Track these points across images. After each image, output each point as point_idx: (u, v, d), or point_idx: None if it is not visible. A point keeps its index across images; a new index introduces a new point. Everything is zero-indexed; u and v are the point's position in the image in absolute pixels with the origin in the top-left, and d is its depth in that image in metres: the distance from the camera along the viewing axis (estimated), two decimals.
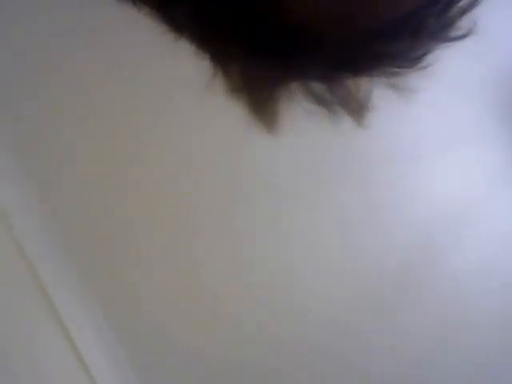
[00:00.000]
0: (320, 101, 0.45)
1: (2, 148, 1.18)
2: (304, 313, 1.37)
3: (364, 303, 1.38)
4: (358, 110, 0.45)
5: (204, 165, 1.26)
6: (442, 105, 1.25)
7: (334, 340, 1.39)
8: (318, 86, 0.45)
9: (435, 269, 1.37)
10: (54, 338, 1.30)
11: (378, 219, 1.33)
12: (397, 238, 1.35)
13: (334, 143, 1.22)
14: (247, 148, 1.22)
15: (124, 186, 1.27)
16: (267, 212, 1.31)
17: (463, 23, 0.46)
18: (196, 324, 1.36)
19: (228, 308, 1.35)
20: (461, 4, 0.45)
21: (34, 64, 1.13)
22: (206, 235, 1.31)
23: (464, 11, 0.45)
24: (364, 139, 1.24)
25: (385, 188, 1.31)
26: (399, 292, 1.38)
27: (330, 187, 1.31)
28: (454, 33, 0.45)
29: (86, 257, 1.30)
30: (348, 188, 1.31)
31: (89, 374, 1.32)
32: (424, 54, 0.45)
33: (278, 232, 1.33)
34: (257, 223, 1.32)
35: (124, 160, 1.25)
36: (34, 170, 1.23)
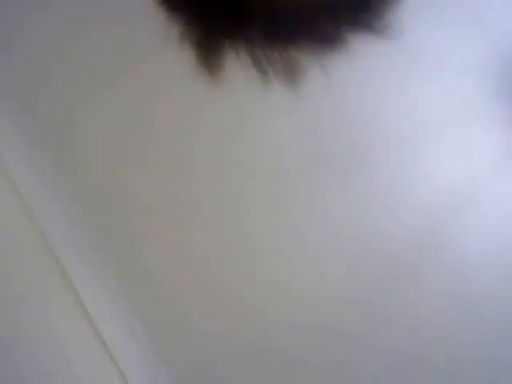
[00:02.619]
0: (255, 62, 0.54)
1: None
2: (317, 295, 1.44)
3: (374, 284, 1.44)
4: (289, 77, 0.54)
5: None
6: (442, 87, 1.29)
7: (344, 318, 1.46)
8: (258, 50, 0.54)
9: (442, 250, 1.41)
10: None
11: (383, 203, 1.38)
12: (404, 221, 1.39)
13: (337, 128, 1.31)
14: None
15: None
16: (278, 200, 1.38)
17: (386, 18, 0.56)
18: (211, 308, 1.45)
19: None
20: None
21: None
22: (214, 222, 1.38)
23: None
24: (368, 124, 1.31)
25: (391, 172, 1.36)
26: (408, 273, 1.43)
27: (337, 173, 1.36)
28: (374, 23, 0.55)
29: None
30: (354, 173, 1.35)
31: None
32: (340, 38, 0.54)
33: (290, 219, 1.39)
34: (268, 210, 1.38)
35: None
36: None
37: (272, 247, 1.40)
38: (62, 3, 1.14)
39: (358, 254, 1.42)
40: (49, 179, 1.35)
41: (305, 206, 1.39)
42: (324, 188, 1.38)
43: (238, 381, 1.50)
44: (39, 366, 1.15)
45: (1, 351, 1.06)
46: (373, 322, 1.46)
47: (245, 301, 1.45)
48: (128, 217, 1.39)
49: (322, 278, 1.43)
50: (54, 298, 1.32)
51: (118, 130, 1.31)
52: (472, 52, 1.27)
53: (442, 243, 1.41)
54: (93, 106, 1.27)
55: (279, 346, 1.47)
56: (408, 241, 1.41)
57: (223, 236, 1.41)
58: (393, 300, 1.45)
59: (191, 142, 1.31)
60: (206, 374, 1.51)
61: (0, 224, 1.20)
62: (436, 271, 1.43)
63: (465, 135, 1.35)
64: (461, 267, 1.42)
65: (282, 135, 1.30)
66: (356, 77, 1.26)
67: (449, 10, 1.23)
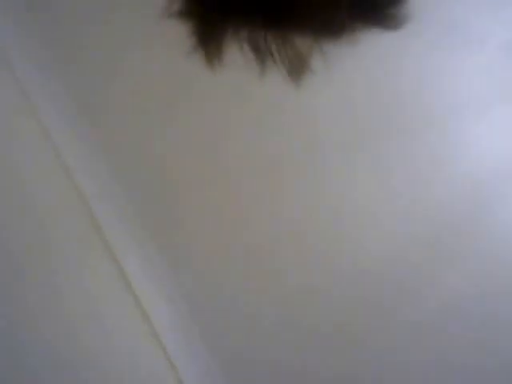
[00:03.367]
0: (256, 50, 0.53)
1: None
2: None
3: (416, 251, 1.43)
4: (297, 67, 0.54)
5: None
6: (485, 64, 1.29)
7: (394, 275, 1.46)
8: (259, 38, 0.53)
9: (480, 225, 1.41)
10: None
11: (425, 174, 1.38)
12: (442, 197, 1.39)
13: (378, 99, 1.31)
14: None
15: None
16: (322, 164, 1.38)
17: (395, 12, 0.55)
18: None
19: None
20: None
21: None
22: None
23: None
24: (415, 97, 1.31)
25: (431, 144, 1.36)
26: (442, 253, 1.43)
27: (379, 142, 1.36)
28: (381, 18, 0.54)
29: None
30: (396, 144, 1.35)
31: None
32: (345, 28, 0.53)
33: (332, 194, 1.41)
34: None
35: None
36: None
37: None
38: None
39: (400, 225, 1.43)
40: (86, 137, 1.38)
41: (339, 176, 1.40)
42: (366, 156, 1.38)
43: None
44: (77, 341, 1.18)
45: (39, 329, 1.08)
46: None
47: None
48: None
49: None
50: (96, 266, 1.37)
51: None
52: None
53: (481, 221, 1.41)
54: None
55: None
56: (444, 219, 1.41)
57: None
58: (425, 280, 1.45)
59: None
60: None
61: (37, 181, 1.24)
62: (472, 251, 1.42)
63: (507, 112, 1.34)
64: (498, 246, 1.42)
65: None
66: (393, 52, 1.25)
67: None
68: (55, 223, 1.25)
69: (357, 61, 1.20)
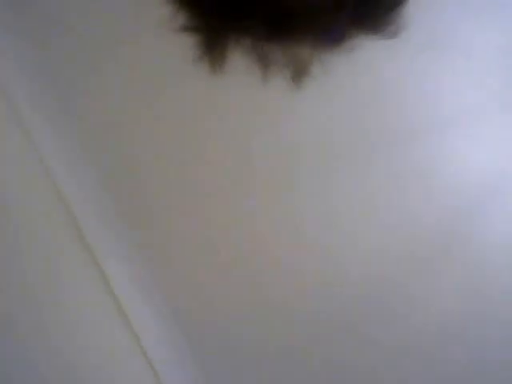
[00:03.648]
0: (257, 58, 0.54)
1: None
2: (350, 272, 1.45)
3: (403, 262, 1.44)
4: (297, 73, 0.55)
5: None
6: (477, 74, 1.28)
7: (376, 293, 1.47)
8: (261, 46, 0.54)
9: (462, 238, 1.41)
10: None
11: (411, 185, 1.38)
12: (425, 208, 1.39)
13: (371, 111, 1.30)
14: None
15: None
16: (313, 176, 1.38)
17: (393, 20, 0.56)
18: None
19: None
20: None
21: None
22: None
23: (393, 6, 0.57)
24: (405, 108, 1.31)
25: (419, 155, 1.34)
26: (422, 267, 1.44)
27: (367, 153, 1.36)
28: (381, 26, 0.55)
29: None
30: (384, 155, 1.35)
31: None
32: (344, 38, 0.54)
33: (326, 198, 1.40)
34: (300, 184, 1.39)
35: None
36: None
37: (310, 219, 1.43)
38: None
39: (387, 234, 1.43)
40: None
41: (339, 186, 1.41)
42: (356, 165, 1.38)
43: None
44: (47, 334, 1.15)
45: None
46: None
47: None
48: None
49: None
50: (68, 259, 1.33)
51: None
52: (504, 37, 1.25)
53: (463, 235, 1.41)
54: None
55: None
56: (424, 235, 1.41)
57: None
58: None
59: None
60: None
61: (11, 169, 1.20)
62: (453, 264, 1.43)
63: (494, 124, 1.33)
64: (479, 260, 1.42)
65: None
66: (382, 61, 1.24)
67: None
68: (35, 225, 1.22)
69: (350, 68, 1.20)
